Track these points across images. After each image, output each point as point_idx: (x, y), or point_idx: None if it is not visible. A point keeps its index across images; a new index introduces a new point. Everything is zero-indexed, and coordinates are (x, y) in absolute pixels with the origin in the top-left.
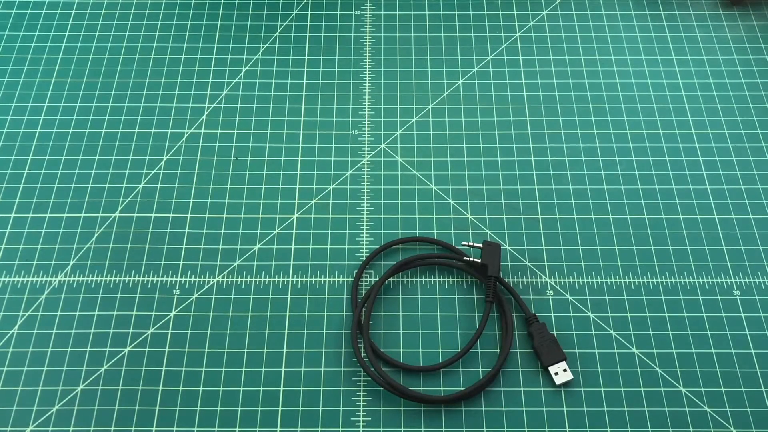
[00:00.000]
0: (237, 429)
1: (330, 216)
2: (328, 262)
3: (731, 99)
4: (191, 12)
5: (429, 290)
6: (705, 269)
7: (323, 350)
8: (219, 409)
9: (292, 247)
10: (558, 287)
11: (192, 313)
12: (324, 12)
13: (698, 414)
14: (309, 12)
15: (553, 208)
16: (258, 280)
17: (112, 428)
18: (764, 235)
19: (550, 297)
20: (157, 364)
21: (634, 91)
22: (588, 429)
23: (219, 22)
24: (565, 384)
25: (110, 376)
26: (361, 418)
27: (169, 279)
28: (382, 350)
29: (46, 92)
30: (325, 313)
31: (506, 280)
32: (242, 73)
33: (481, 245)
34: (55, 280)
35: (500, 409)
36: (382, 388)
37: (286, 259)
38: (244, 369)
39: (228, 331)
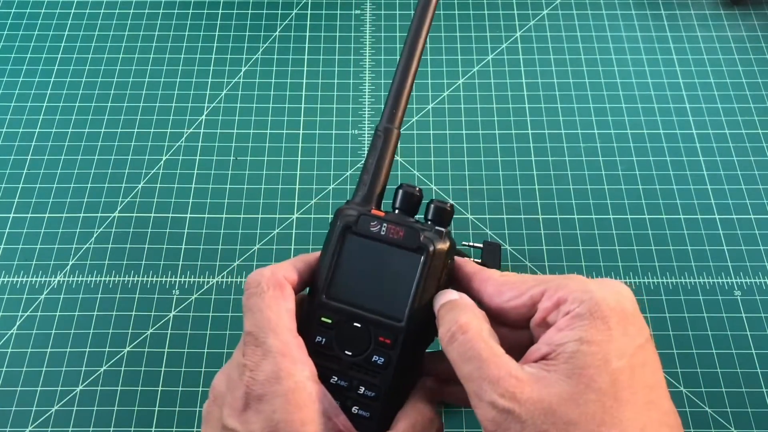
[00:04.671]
0: None
1: (330, 216)
2: None
3: (732, 99)
4: (191, 11)
5: None
6: (706, 269)
7: None
8: None
9: (292, 247)
10: None
11: (191, 314)
12: (324, 11)
13: (699, 414)
14: (309, 12)
15: (554, 208)
16: None
17: (112, 429)
18: (765, 235)
19: None
20: (157, 365)
21: (634, 91)
22: None
23: (219, 22)
24: None
25: (109, 376)
26: None
27: (169, 279)
28: None
29: (45, 92)
30: None
31: None
32: (242, 73)
33: (481, 245)
34: (54, 281)
35: None
36: None
37: (286, 259)
38: None
39: (228, 332)
